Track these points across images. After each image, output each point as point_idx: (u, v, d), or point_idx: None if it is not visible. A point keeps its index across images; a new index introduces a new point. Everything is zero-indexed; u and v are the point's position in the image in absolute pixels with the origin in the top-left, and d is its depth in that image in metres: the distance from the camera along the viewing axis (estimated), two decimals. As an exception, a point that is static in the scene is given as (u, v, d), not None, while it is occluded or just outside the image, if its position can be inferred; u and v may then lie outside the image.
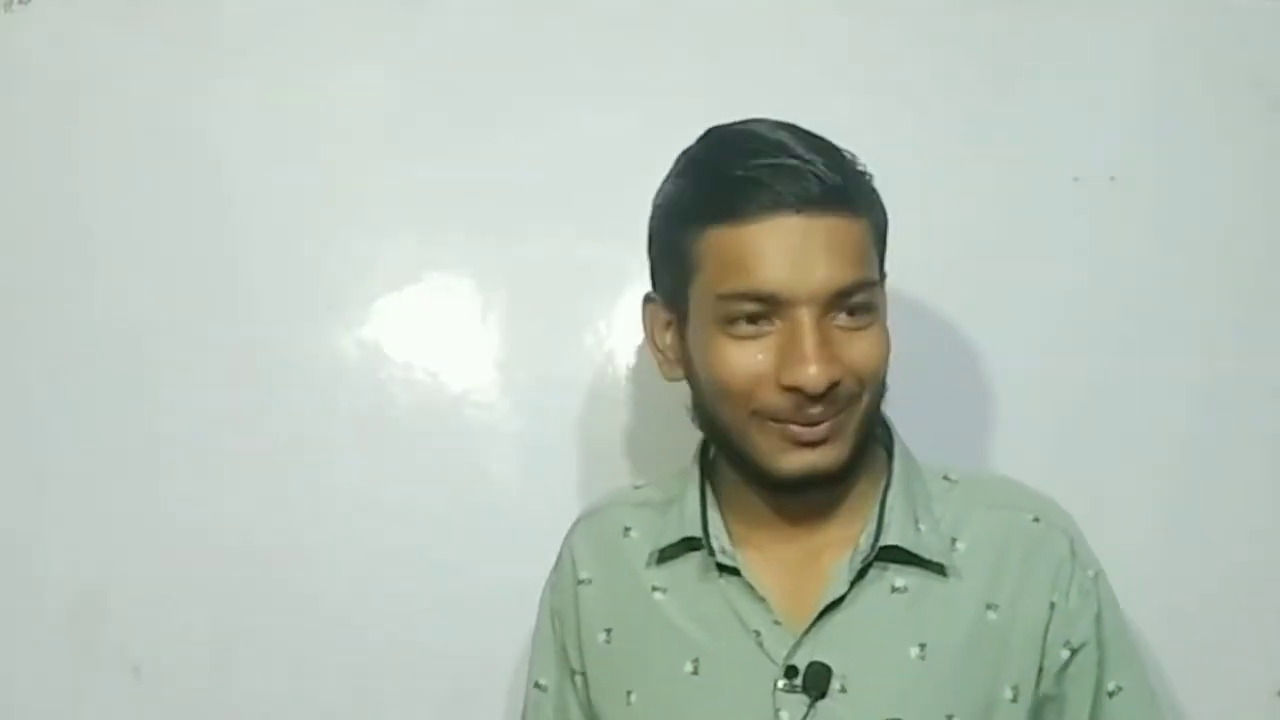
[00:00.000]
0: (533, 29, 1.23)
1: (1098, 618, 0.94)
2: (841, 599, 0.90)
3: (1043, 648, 0.92)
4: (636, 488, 1.04)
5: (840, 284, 0.86)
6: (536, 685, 1.03)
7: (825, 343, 0.85)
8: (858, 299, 0.87)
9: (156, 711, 1.19)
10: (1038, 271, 1.24)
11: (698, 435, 0.98)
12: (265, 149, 1.21)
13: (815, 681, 0.88)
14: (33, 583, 1.19)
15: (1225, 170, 1.26)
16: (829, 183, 0.87)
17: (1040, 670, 0.92)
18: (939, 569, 0.92)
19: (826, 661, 0.89)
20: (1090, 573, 0.95)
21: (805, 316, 0.85)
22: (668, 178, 0.93)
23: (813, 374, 0.84)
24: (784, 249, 0.85)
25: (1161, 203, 1.26)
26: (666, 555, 0.96)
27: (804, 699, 0.88)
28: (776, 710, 0.89)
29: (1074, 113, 1.26)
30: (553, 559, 1.03)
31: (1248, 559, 1.25)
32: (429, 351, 1.21)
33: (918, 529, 0.92)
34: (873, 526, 0.92)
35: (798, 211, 0.85)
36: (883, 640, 0.90)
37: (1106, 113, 1.26)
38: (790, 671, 0.89)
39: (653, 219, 0.93)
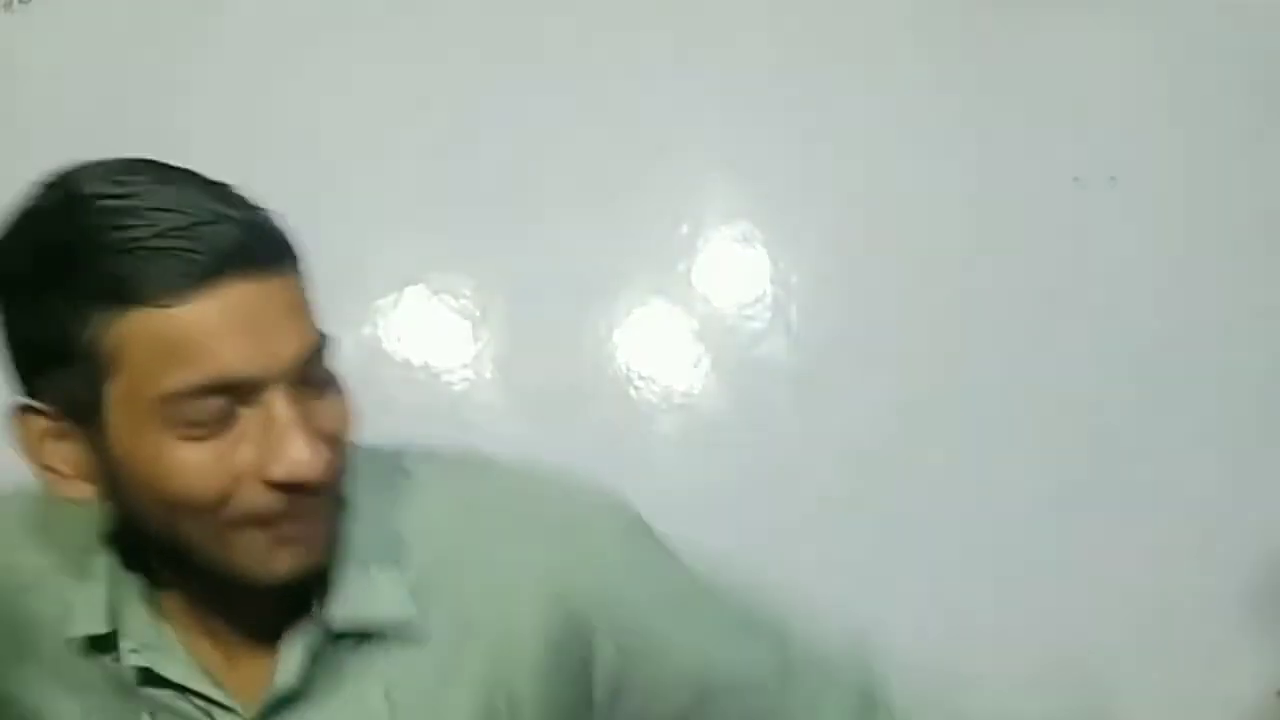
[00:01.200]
0: (535, 31, 1.23)
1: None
2: (298, 688, 0.76)
3: None
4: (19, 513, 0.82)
5: (308, 349, 0.72)
6: None
7: (309, 421, 0.71)
8: (321, 359, 0.74)
9: (156, 711, 1.19)
10: (1037, 272, 1.24)
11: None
12: (266, 148, 1.21)
13: None
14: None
15: (1225, 170, 1.26)
16: (267, 236, 0.73)
17: None
18: (407, 634, 0.78)
19: None
20: None
21: (281, 397, 0.70)
22: (16, 245, 0.72)
23: (308, 462, 0.70)
24: (240, 323, 0.70)
25: (1161, 203, 1.26)
26: (72, 651, 0.76)
27: None
28: None
29: (1074, 113, 1.26)
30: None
31: (1248, 559, 1.25)
32: (429, 351, 1.21)
33: (379, 589, 0.78)
34: (328, 598, 0.77)
35: (244, 275, 0.70)
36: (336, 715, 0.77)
37: (1106, 113, 1.26)
38: None
39: (9, 302, 0.72)
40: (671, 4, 1.23)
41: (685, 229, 1.22)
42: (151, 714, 0.77)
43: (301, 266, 0.74)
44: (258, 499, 0.70)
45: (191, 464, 0.70)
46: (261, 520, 0.71)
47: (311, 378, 0.73)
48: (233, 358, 0.69)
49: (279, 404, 0.70)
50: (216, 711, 0.76)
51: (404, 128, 1.22)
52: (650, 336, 1.21)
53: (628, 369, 1.21)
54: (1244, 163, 1.26)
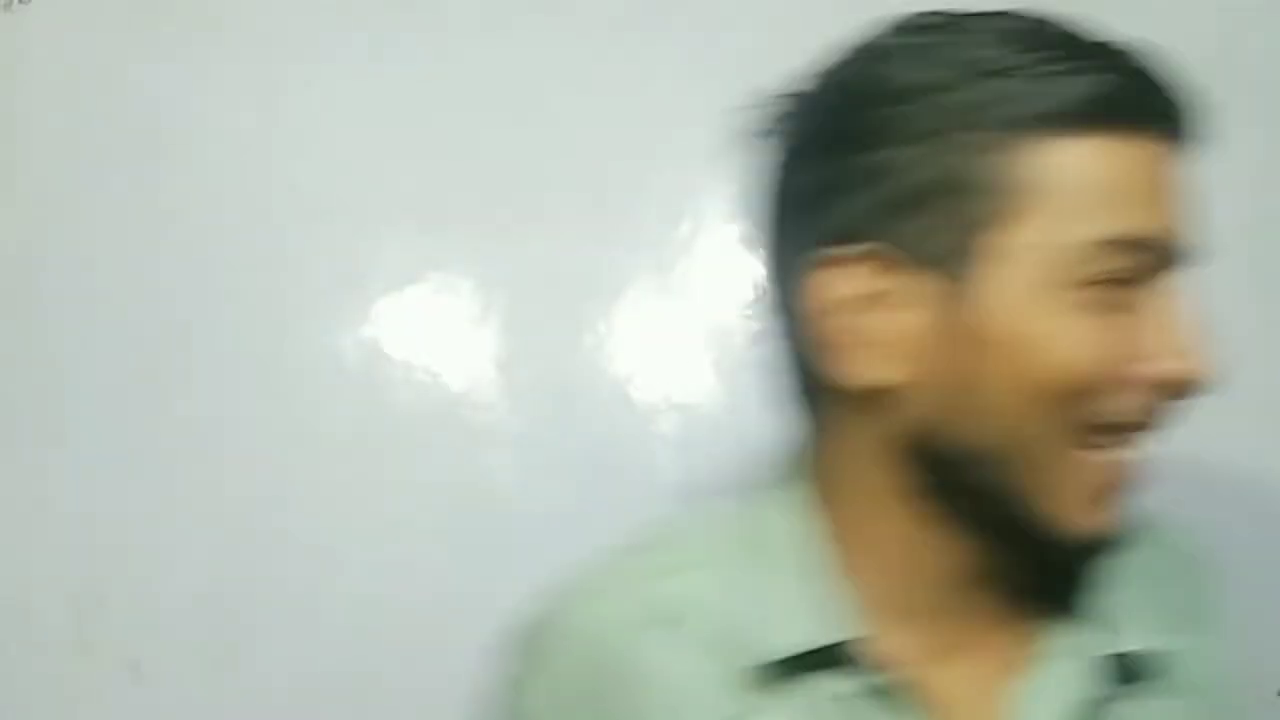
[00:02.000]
0: (535, 28, 1.23)
1: None
2: None
3: None
4: (654, 553, 0.70)
5: (1192, 241, 0.62)
6: None
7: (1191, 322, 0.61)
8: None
9: (156, 711, 1.19)
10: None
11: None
12: (266, 148, 1.21)
13: None
14: (33, 582, 1.19)
15: (1225, 170, 1.26)
16: (1189, 109, 0.62)
17: None
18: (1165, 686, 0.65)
19: None
20: None
21: (1174, 284, 0.60)
22: (897, 72, 0.61)
23: (1197, 361, 0.59)
24: (1160, 181, 0.59)
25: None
26: (771, 675, 0.62)
27: None
28: None
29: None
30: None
31: (1248, 559, 1.25)
32: (429, 351, 1.21)
33: (1150, 619, 0.66)
34: (1101, 625, 0.64)
35: (1168, 133, 0.61)
36: None
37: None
38: None
39: (875, 134, 0.60)
40: (672, 4, 1.24)
41: (685, 229, 1.22)
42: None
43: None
44: (1132, 398, 0.59)
45: (1083, 334, 0.57)
46: (1121, 428, 0.59)
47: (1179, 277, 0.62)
48: (1158, 216, 0.58)
49: (1175, 291, 0.59)
50: None
51: (404, 127, 1.22)
52: (650, 336, 1.21)
53: (628, 369, 1.21)
54: (1244, 162, 1.26)
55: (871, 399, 0.61)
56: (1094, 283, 0.57)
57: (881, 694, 0.61)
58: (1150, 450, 0.63)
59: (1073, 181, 0.57)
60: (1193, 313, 0.60)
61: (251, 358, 1.20)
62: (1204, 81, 0.65)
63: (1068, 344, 0.57)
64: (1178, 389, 0.60)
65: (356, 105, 1.22)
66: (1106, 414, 0.59)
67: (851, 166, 0.60)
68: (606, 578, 0.71)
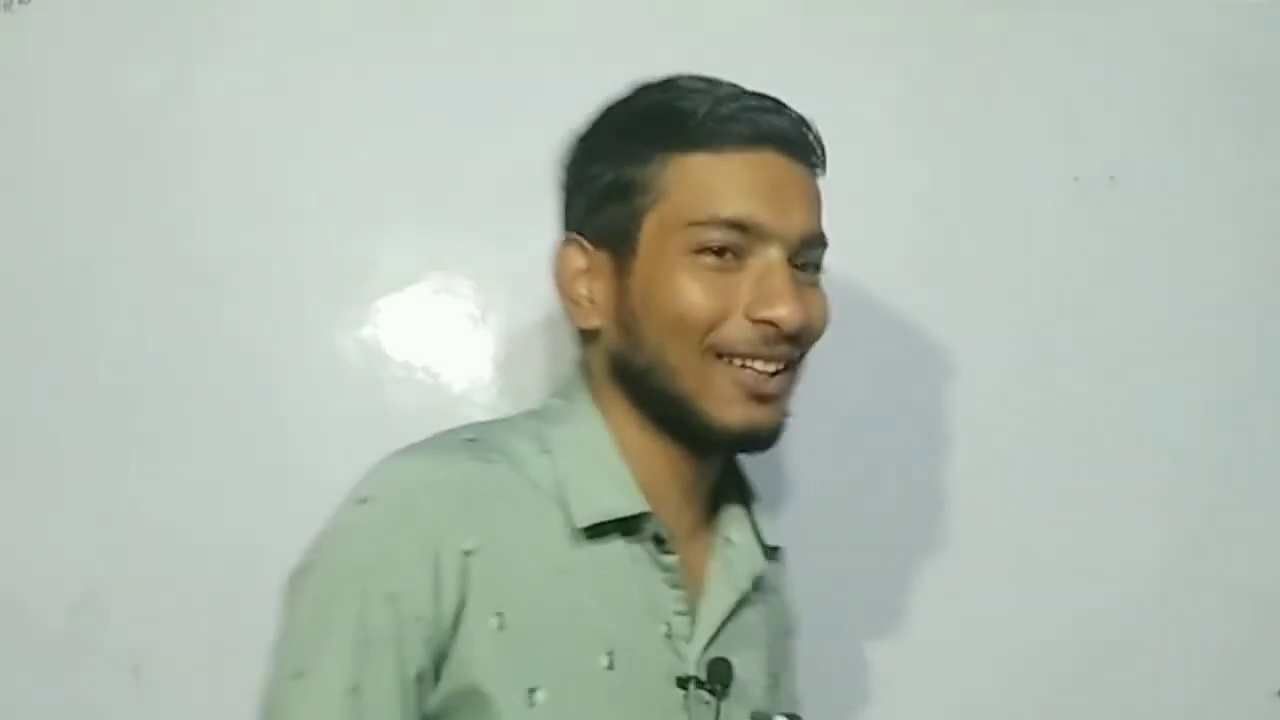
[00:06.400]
0: (534, 29, 1.23)
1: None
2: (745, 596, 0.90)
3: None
4: (471, 440, 0.88)
5: (812, 230, 0.86)
6: (354, 690, 0.80)
7: (797, 284, 0.84)
8: (815, 254, 0.87)
9: (156, 711, 1.19)
10: (1037, 272, 1.25)
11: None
12: (266, 149, 1.21)
13: (720, 679, 0.84)
14: (33, 583, 1.19)
15: (1225, 170, 1.26)
16: (807, 131, 0.88)
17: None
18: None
19: (725, 657, 0.85)
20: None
21: (780, 253, 0.84)
22: (606, 115, 0.91)
23: (790, 309, 0.82)
24: (765, 182, 0.84)
25: (1161, 203, 1.26)
26: (593, 533, 0.84)
27: (709, 698, 0.84)
28: (688, 709, 0.83)
29: (1074, 113, 1.26)
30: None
31: (1248, 560, 1.25)
32: (429, 351, 1.21)
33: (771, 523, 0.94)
34: (748, 521, 0.93)
35: (780, 150, 0.85)
36: (749, 636, 0.91)
37: (1106, 113, 1.26)
38: (702, 668, 0.84)
39: (588, 156, 0.90)
40: (672, 7, 1.24)
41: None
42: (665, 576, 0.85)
43: (820, 176, 0.89)
44: (739, 332, 0.83)
45: (696, 287, 0.83)
46: (737, 353, 0.83)
47: (806, 264, 0.86)
48: (752, 204, 0.83)
49: (777, 260, 0.83)
50: (677, 596, 0.86)
51: (404, 127, 1.22)
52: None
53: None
54: (1244, 162, 1.27)
55: (595, 337, 0.90)
56: (704, 249, 0.83)
57: (661, 559, 0.85)
58: (782, 389, 0.86)
59: (688, 181, 0.84)
60: (786, 278, 0.83)
61: (252, 358, 1.20)
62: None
63: (685, 291, 0.83)
64: (777, 325, 0.82)
65: (357, 105, 1.22)
66: (724, 342, 0.83)
67: (577, 176, 0.91)
68: (431, 445, 0.90)
